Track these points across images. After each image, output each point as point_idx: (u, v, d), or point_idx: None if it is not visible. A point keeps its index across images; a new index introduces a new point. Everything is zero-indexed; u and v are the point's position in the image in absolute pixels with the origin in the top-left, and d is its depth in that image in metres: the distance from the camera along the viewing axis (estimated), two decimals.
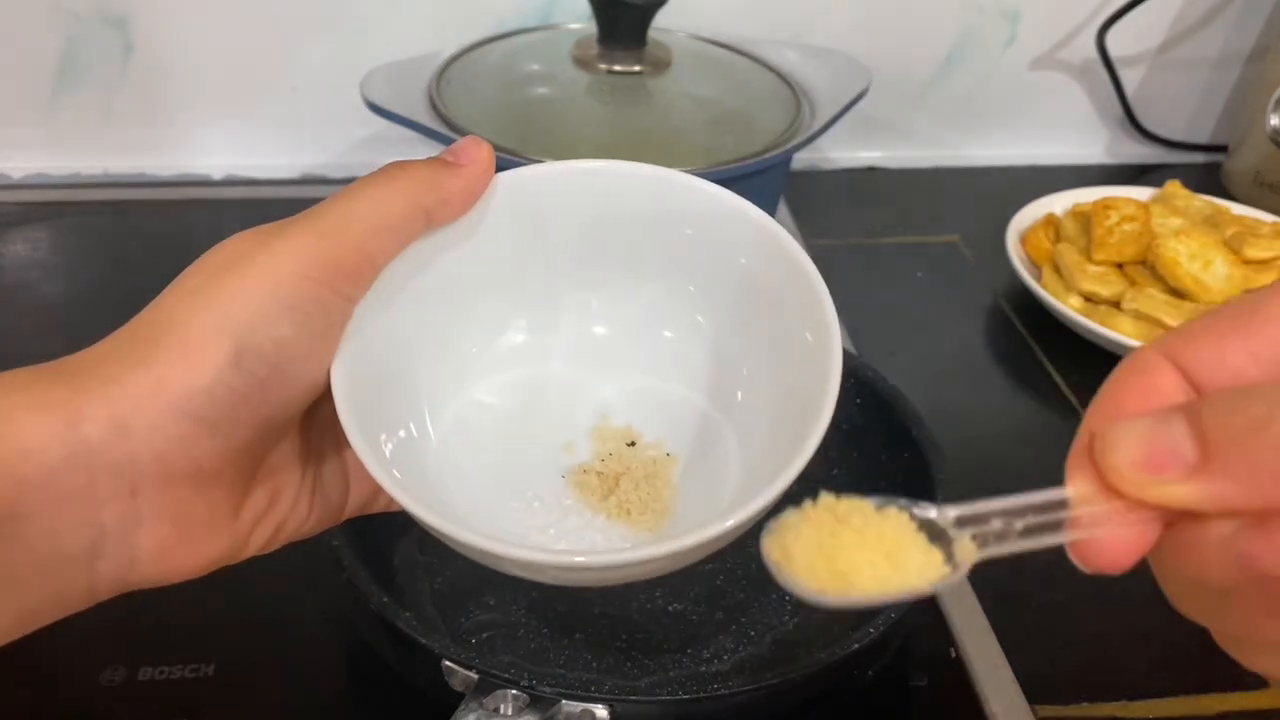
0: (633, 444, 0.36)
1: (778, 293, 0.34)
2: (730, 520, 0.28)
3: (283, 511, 0.31)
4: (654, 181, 0.35)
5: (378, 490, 0.34)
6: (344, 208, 0.29)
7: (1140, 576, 0.56)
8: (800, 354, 0.32)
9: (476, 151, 0.32)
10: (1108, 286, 0.68)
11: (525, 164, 0.35)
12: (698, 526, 0.28)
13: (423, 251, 0.32)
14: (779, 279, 0.33)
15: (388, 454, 0.30)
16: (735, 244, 0.34)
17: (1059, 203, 0.77)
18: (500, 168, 0.34)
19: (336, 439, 0.30)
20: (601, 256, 0.36)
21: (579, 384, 0.37)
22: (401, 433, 0.33)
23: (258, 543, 0.30)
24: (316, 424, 0.32)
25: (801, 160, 0.86)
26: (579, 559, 0.29)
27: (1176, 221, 0.71)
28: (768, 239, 0.33)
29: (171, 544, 0.27)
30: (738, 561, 0.49)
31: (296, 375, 0.28)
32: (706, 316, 0.36)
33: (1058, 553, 0.61)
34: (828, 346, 0.32)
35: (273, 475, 0.30)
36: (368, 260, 0.29)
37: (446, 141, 0.62)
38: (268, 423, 0.28)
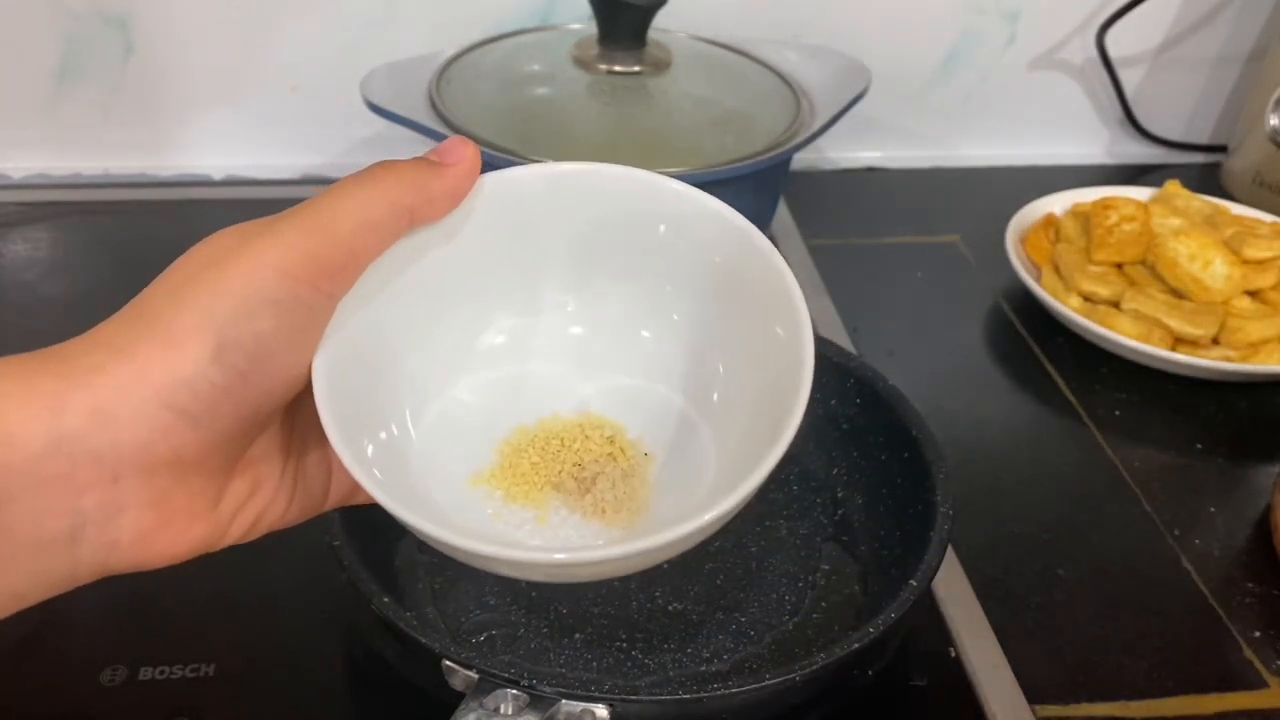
0: (611, 442, 0.36)
1: (751, 290, 0.34)
2: (703, 517, 0.29)
3: (263, 502, 0.31)
4: (631, 183, 0.35)
5: (358, 484, 0.34)
6: (329, 205, 0.29)
7: (1140, 578, 0.57)
8: (774, 350, 0.33)
9: (462, 152, 0.32)
10: (1107, 286, 0.68)
11: (523, 164, 0.35)
12: (672, 523, 0.28)
13: (406, 250, 0.32)
14: (752, 276, 0.34)
15: (368, 451, 0.30)
16: (709, 243, 0.34)
17: (1059, 203, 0.77)
18: (498, 168, 0.34)
19: (319, 432, 0.30)
20: (581, 257, 0.36)
21: (558, 384, 0.38)
22: (382, 430, 0.33)
23: (237, 531, 0.30)
24: (299, 417, 0.32)
25: (801, 160, 0.86)
26: (559, 556, 0.29)
27: (1176, 221, 0.71)
28: (740, 237, 0.34)
29: (152, 530, 0.28)
30: (738, 561, 0.49)
31: (278, 370, 0.29)
32: (682, 315, 0.37)
33: (1057, 552, 0.61)
34: (800, 342, 0.32)
35: (254, 466, 0.30)
36: (351, 258, 0.29)
37: None
38: (249, 415, 0.28)
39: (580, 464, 0.35)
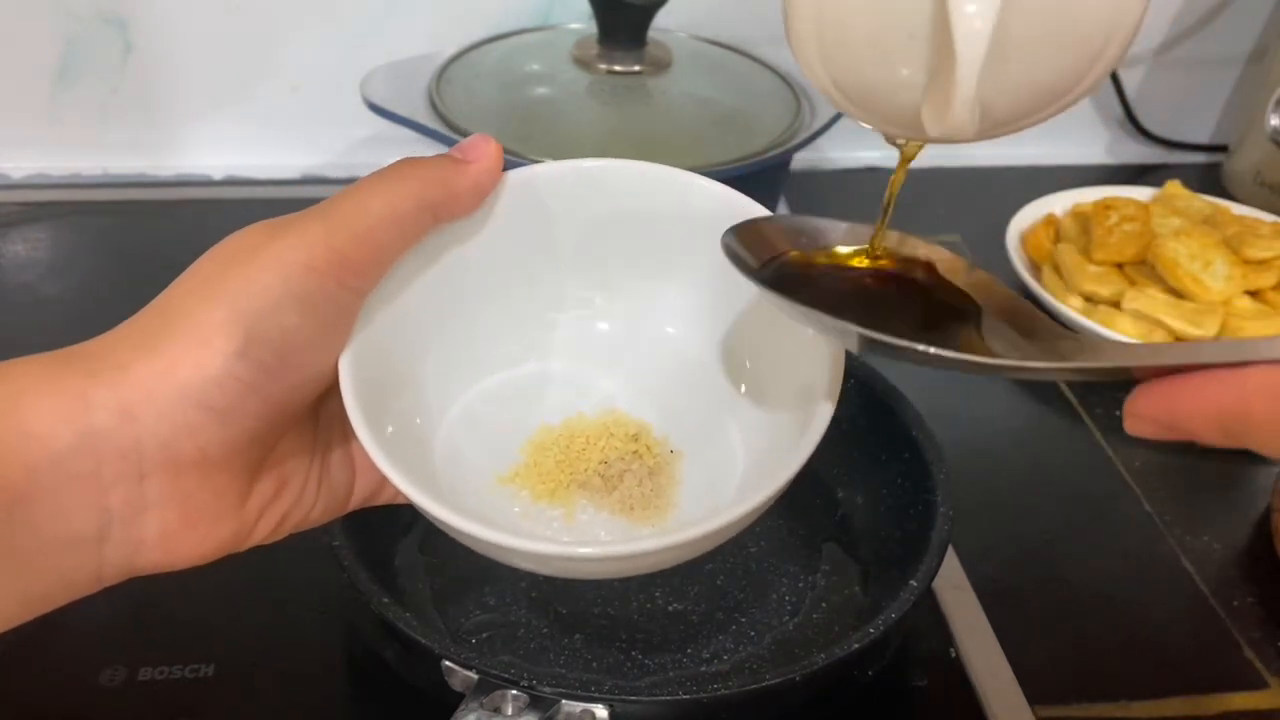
0: (636, 439, 0.36)
1: None
2: (731, 514, 0.29)
3: (289, 501, 0.31)
4: (656, 179, 0.35)
5: (383, 482, 0.34)
6: (353, 202, 0.29)
7: (1140, 578, 0.56)
8: (801, 348, 0.33)
9: (485, 149, 0.32)
10: (1108, 286, 0.68)
11: (529, 164, 0.35)
12: (700, 520, 0.28)
13: (431, 248, 0.33)
14: None
15: (394, 447, 0.30)
16: None
17: (1059, 203, 0.77)
18: (504, 167, 0.34)
19: (344, 431, 0.31)
20: (606, 254, 0.36)
21: (584, 380, 0.38)
22: (408, 426, 0.33)
23: (263, 531, 0.30)
24: (325, 415, 0.32)
25: (801, 160, 0.86)
26: (584, 550, 0.29)
27: (1176, 221, 0.71)
28: None
29: (177, 530, 0.27)
30: (738, 561, 0.49)
31: (304, 366, 0.29)
32: (709, 312, 0.37)
33: (1057, 552, 0.61)
34: (829, 341, 0.32)
35: (280, 465, 0.30)
36: (376, 254, 0.29)
37: (447, 141, 0.62)
38: (276, 413, 0.28)
39: (606, 461, 0.35)
